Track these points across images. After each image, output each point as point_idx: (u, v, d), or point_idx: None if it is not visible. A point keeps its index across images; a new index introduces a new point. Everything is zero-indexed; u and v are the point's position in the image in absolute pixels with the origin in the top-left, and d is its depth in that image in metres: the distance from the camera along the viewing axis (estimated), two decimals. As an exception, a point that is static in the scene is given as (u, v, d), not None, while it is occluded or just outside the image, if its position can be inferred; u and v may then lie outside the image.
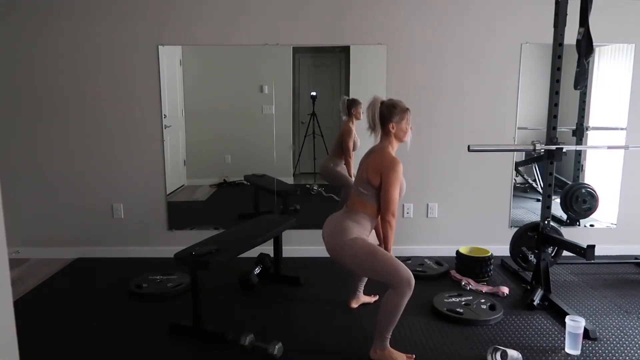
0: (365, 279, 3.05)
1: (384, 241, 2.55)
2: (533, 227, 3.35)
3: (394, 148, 2.54)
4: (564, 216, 4.20)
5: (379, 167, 2.45)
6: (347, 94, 4.06)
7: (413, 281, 2.30)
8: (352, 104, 3.93)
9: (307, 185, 4.28)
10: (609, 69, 4.05)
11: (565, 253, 3.53)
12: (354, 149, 3.96)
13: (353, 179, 3.95)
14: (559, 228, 3.59)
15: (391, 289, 2.33)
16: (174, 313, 2.96)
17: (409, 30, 3.83)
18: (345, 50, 3.97)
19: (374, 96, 2.51)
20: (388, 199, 2.43)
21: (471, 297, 3.14)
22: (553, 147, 3.04)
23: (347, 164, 3.98)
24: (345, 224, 2.49)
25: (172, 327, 2.75)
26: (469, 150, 2.97)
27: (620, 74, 4.00)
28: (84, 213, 4.03)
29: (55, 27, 3.78)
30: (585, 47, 2.97)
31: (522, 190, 4.23)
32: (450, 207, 4.07)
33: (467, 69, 3.88)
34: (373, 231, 2.69)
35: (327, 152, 4.18)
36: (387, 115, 2.49)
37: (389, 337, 2.40)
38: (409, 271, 2.32)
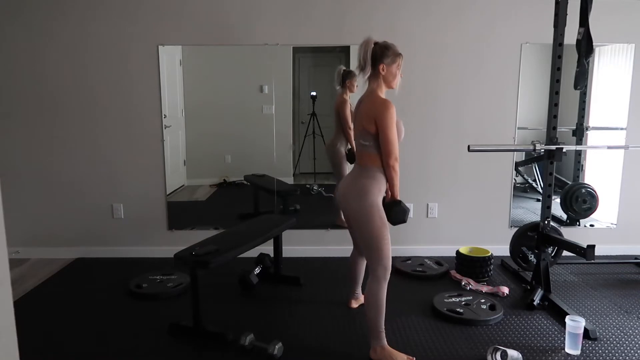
0: (362, 279, 3.03)
1: (390, 188, 2.49)
2: (533, 227, 3.35)
3: (383, 93, 2.47)
4: (564, 216, 4.20)
5: (371, 113, 2.38)
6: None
7: (389, 272, 2.41)
8: (347, 75, 3.85)
9: (307, 185, 4.28)
10: (609, 69, 4.05)
11: (565, 253, 3.53)
12: (351, 120, 3.88)
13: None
14: (559, 228, 3.59)
15: (370, 274, 2.41)
16: (174, 313, 2.96)
17: (409, 30, 3.83)
18: (345, 50, 3.97)
19: (368, 36, 2.44)
20: (387, 142, 2.36)
21: (471, 297, 3.14)
22: (553, 147, 3.04)
23: (348, 136, 3.88)
24: (362, 183, 2.42)
25: (172, 327, 2.75)
26: (469, 150, 2.97)
27: (620, 74, 4.00)
28: (84, 213, 4.03)
29: (55, 27, 3.78)
30: (585, 47, 2.97)
31: (522, 190, 4.23)
32: (450, 207, 4.07)
33: (467, 68, 3.88)
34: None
35: (326, 151, 4.17)
36: (380, 55, 2.41)
37: (383, 331, 2.42)
38: (390, 262, 2.42)
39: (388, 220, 2.45)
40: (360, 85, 2.49)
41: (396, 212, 2.47)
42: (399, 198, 2.50)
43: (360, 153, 2.50)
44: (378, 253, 2.39)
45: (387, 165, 2.40)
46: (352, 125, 3.72)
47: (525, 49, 3.86)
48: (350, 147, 3.92)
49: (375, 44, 2.43)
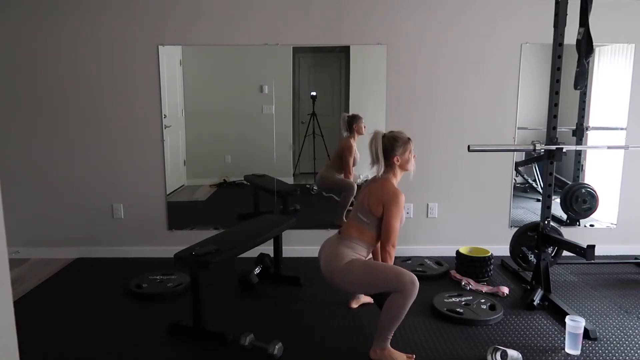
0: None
1: None
2: (533, 227, 3.35)
3: (398, 178, 2.57)
4: (564, 216, 4.20)
5: (381, 198, 2.47)
6: (347, 93, 4.07)
7: (417, 281, 2.32)
8: (353, 120, 3.95)
9: (307, 185, 4.27)
10: (609, 69, 4.05)
11: (565, 253, 3.53)
12: (353, 165, 3.98)
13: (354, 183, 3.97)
14: (559, 228, 3.59)
15: (398, 292, 2.33)
16: (174, 313, 2.96)
17: (409, 30, 3.83)
18: (345, 50, 3.97)
19: (375, 131, 2.52)
20: (390, 230, 2.46)
21: (471, 297, 3.14)
22: (553, 147, 3.04)
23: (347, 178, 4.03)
24: (340, 250, 2.50)
25: (172, 327, 2.75)
26: (469, 150, 2.97)
27: (620, 74, 4.00)
28: (84, 213, 4.03)
29: (55, 27, 3.78)
30: (585, 47, 2.97)
31: (522, 190, 4.23)
32: (450, 207, 4.07)
33: (467, 68, 3.88)
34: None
35: (327, 151, 4.18)
36: (390, 148, 2.50)
37: (390, 337, 2.40)
38: (411, 273, 2.34)
39: (376, 303, 2.57)
40: (370, 169, 2.58)
41: (384, 298, 2.43)
42: None
43: (351, 224, 2.57)
44: (388, 279, 2.34)
45: (384, 250, 2.50)
46: (352, 171, 3.96)
47: (525, 49, 3.86)
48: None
49: (384, 136, 2.50)
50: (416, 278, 2.33)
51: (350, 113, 3.99)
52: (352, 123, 3.94)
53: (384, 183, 2.52)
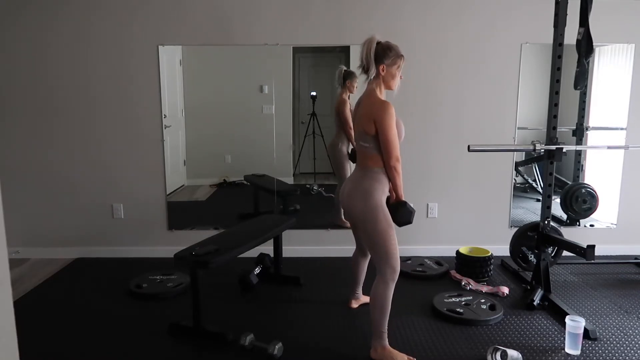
0: (363, 279, 3.04)
1: (393, 188, 2.47)
2: (533, 227, 3.35)
3: (382, 94, 2.44)
4: (564, 216, 4.20)
5: (370, 114, 2.36)
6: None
7: (398, 272, 2.41)
8: (348, 76, 3.86)
9: (307, 185, 4.27)
10: (609, 69, 4.05)
11: (565, 253, 3.53)
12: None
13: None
14: (559, 228, 3.59)
15: (378, 275, 2.40)
16: (174, 313, 2.96)
17: (409, 30, 3.83)
18: (345, 50, 3.97)
19: (371, 35, 2.41)
20: (387, 143, 2.34)
21: (471, 297, 3.14)
22: (553, 147, 3.04)
23: (349, 136, 3.88)
24: (365, 184, 2.40)
25: (172, 327, 2.75)
26: (469, 150, 2.97)
27: (620, 74, 4.00)
28: (84, 213, 4.03)
29: (55, 27, 3.78)
30: (585, 47, 2.97)
31: (522, 190, 4.23)
32: (450, 207, 4.07)
33: (467, 68, 3.88)
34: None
35: (328, 152, 4.17)
36: (381, 55, 2.38)
37: (386, 332, 2.41)
38: (399, 263, 2.41)
39: (394, 221, 2.44)
40: (359, 87, 2.48)
41: (402, 213, 2.46)
42: (403, 199, 2.48)
43: (361, 154, 2.48)
44: (385, 254, 2.38)
45: (389, 166, 2.38)
46: (352, 125, 3.73)
47: (525, 49, 3.86)
48: (352, 147, 3.92)
49: (378, 43, 2.40)
50: (398, 271, 2.40)
51: (348, 69, 3.91)
52: (347, 78, 3.87)
53: (369, 98, 2.41)
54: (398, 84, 2.48)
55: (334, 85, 3.96)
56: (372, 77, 2.41)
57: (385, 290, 2.38)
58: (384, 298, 2.38)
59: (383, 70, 2.40)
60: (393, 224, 2.43)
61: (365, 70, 2.40)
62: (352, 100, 3.82)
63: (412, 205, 2.49)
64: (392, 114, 2.34)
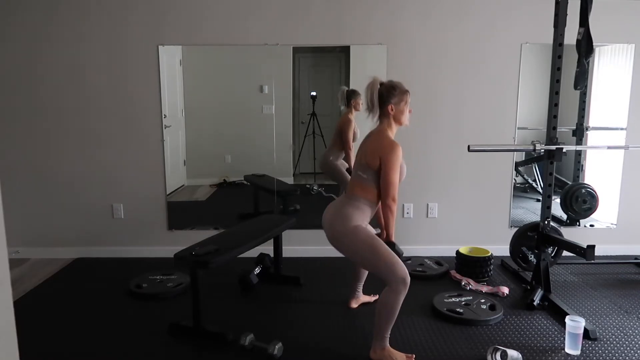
0: (364, 279, 3.04)
1: (385, 227, 2.50)
2: (533, 227, 3.35)
3: (393, 131, 2.49)
4: (564, 216, 4.20)
5: (377, 151, 2.40)
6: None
7: (408, 280, 2.31)
8: (352, 95, 3.90)
9: (307, 185, 4.27)
10: (609, 69, 4.05)
11: (565, 253, 3.53)
12: (353, 140, 3.90)
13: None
14: (559, 228, 3.59)
15: (387, 286, 2.33)
16: (174, 313, 2.96)
17: (409, 30, 3.83)
18: (345, 50, 3.97)
19: (373, 76, 2.46)
20: (388, 183, 2.38)
21: (471, 297, 3.14)
22: (553, 147, 3.04)
23: (347, 156, 3.92)
24: (346, 210, 2.43)
25: (172, 327, 2.75)
26: (469, 150, 2.97)
27: (620, 74, 4.00)
28: (84, 213, 4.03)
29: (55, 27, 3.78)
30: (585, 47, 2.97)
31: (522, 190, 4.23)
32: (450, 207, 4.07)
33: (467, 68, 3.88)
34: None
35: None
36: (387, 96, 2.44)
37: (388, 336, 2.40)
38: (406, 270, 2.33)
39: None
40: (366, 118, 2.51)
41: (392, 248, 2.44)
42: (393, 239, 2.49)
43: (354, 182, 2.51)
44: (383, 266, 2.32)
45: (385, 204, 2.42)
46: (352, 146, 3.83)
47: (525, 49, 3.86)
48: (348, 165, 3.96)
49: (381, 84, 2.46)
50: (409, 278, 2.32)
51: (350, 88, 3.94)
52: (351, 98, 3.90)
53: (379, 135, 2.45)
54: (408, 118, 2.53)
55: (334, 85, 3.96)
56: (381, 117, 2.47)
57: (395, 300, 2.31)
58: (393, 307, 2.32)
59: (392, 110, 2.46)
60: (377, 238, 2.42)
61: (372, 111, 2.45)
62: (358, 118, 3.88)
63: (400, 247, 2.48)
64: (399, 156, 2.39)
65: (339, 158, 3.97)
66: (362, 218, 2.45)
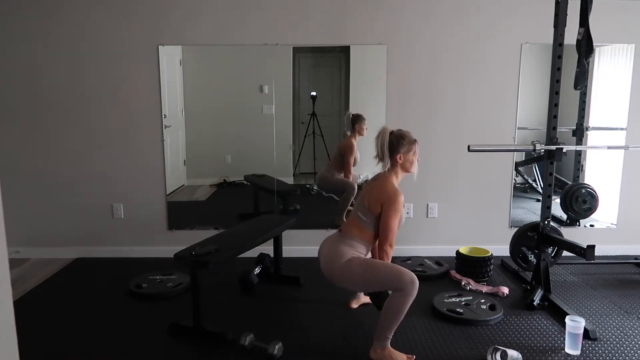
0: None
1: None
2: (533, 227, 3.35)
3: (399, 178, 2.56)
4: (564, 216, 4.20)
5: (380, 197, 2.47)
6: (347, 93, 4.07)
7: (417, 281, 2.33)
8: (357, 120, 3.95)
9: (307, 185, 4.27)
10: (609, 69, 4.05)
11: (565, 253, 3.53)
12: (354, 165, 3.99)
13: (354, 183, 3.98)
14: (559, 228, 3.59)
15: (398, 291, 2.34)
16: (174, 313, 2.95)
17: (409, 30, 3.83)
18: (345, 50, 3.97)
19: (383, 126, 2.53)
20: (387, 230, 2.47)
21: (471, 297, 3.14)
22: (553, 147, 3.04)
23: (347, 177, 4.03)
24: (340, 248, 2.50)
25: (172, 327, 2.75)
26: (469, 150, 2.97)
27: (620, 74, 4.00)
28: (84, 213, 4.03)
29: (55, 27, 3.78)
30: (585, 47, 2.97)
31: (522, 190, 4.23)
32: (450, 207, 4.07)
33: (467, 68, 3.88)
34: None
35: (327, 151, 4.18)
36: (396, 145, 2.50)
37: (391, 337, 2.40)
38: (411, 272, 2.35)
39: (373, 303, 2.54)
40: (375, 165, 2.56)
41: (381, 297, 2.46)
42: None
43: (352, 222, 2.58)
44: (389, 278, 2.35)
45: (382, 249, 2.50)
46: (352, 170, 3.95)
47: (525, 49, 3.86)
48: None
49: (391, 133, 2.50)
50: (416, 277, 2.34)
51: (356, 112, 3.98)
52: (355, 123, 3.95)
53: (384, 182, 2.52)
54: (416, 167, 2.57)
55: (334, 85, 3.96)
56: (388, 167, 2.51)
57: (404, 301, 2.32)
58: (400, 307, 2.33)
59: (400, 159, 2.52)
60: (368, 258, 2.48)
61: (382, 160, 2.51)
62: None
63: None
64: (400, 205, 2.46)
65: (337, 176, 4.07)
66: (356, 254, 2.51)
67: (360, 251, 2.53)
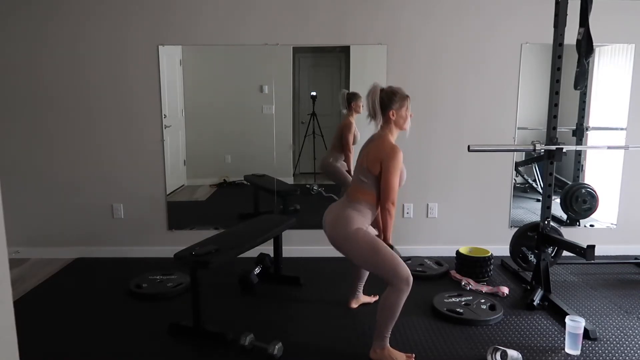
0: (364, 279, 3.04)
1: (382, 230, 2.52)
2: (533, 227, 3.35)
3: (394, 136, 2.51)
4: (564, 216, 4.20)
5: (378, 155, 2.42)
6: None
7: (411, 280, 2.32)
8: (352, 98, 3.91)
9: (307, 185, 4.27)
10: (609, 69, 4.05)
11: (565, 253, 3.53)
12: (353, 143, 3.92)
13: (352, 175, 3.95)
14: (559, 228, 3.59)
15: (389, 286, 2.34)
16: (174, 313, 2.96)
17: (409, 30, 3.83)
18: (345, 50, 3.97)
19: (374, 83, 2.48)
20: (388, 187, 2.41)
21: (471, 297, 3.14)
22: (553, 147, 3.04)
23: (347, 159, 3.93)
24: (348, 213, 2.45)
25: (172, 327, 2.75)
26: (469, 150, 2.97)
27: (620, 74, 4.00)
28: (84, 213, 4.03)
29: (55, 27, 3.78)
30: (585, 47, 2.97)
31: (522, 190, 4.23)
32: (450, 207, 4.07)
33: (467, 68, 3.88)
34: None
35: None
36: (387, 102, 2.46)
37: (389, 336, 2.41)
38: (408, 270, 2.34)
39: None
40: (368, 124, 2.53)
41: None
42: (390, 242, 2.50)
43: (354, 186, 2.53)
44: (386, 267, 2.34)
45: (384, 208, 2.45)
46: (352, 149, 3.85)
47: (525, 49, 3.86)
48: (348, 168, 3.96)
49: (382, 90, 2.47)
50: (412, 278, 2.33)
51: (350, 90, 3.95)
52: (351, 101, 3.90)
53: (381, 140, 2.47)
54: (409, 123, 2.54)
55: (334, 85, 3.96)
56: (382, 123, 2.48)
57: (397, 299, 2.33)
58: (394, 305, 2.33)
59: (393, 115, 2.48)
60: (378, 239, 2.44)
61: (374, 118, 2.47)
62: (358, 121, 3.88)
63: (398, 249, 2.49)
64: (399, 161, 2.41)
65: (339, 160, 3.99)
66: (363, 221, 2.47)
67: (366, 216, 2.47)
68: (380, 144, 2.46)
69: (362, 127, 3.86)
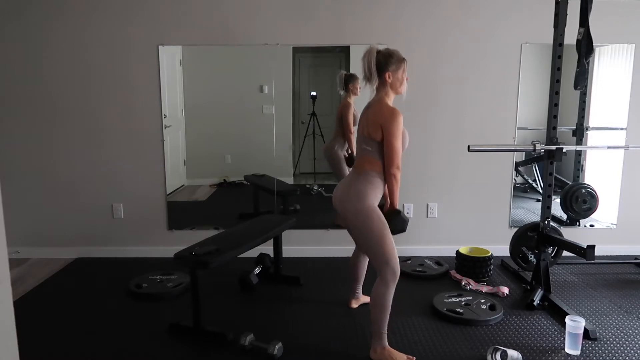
0: (363, 279, 3.04)
1: (390, 196, 2.49)
2: (533, 227, 3.35)
3: (391, 100, 2.47)
4: (564, 216, 4.20)
5: (378, 120, 2.38)
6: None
7: (398, 274, 2.39)
8: (350, 79, 3.86)
9: (307, 185, 4.28)
10: (609, 69, 4.05)
11: (565, 253, 3.53)
12: (354, 124, 3.87)
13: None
14: (559, 228, 3.59)
15: (378, 277, 2.39)
16: (174, 313, 2.96)
17: (409, 30, 3.83)
18: (345, 50, 3.97)
19: (370, 45, 2.44)
20: (391, 151, 2.36)
21: (471, 297, 3.14)
22: (553, 147, 3.04)
23: (349, 140, 3.88)
24: (360, 186, 2.40)
25: (172, 327, 2.75)
26: (469, 150, 2.97)
27: (620, 74, 4.00)
28: (84, 213, 4.03)
29: (55, 27, 3.78)
30: (585, 47, 2.97)
31: (522, 190, 4.23)
32: (450, 207, 4.07)
33: (467, 68, 3.88)
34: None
35: (324, 154, 4.17)
36: (384, 64, 2.41)
37: (386, 332, 2.41)
38: (399, 266, 2.39)
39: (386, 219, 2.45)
40: (363, 87, 2.50)
41: (396, 221, 2.47)
42: (398, 207, 2.50)
43: (360, 157, 2.49)
44: (382, 256, 2.37)
45: (389, 173, 2.40)
46: (353, 130, 3.78)
47: (525, 49, 3.86)
48: (350, 151, 3.92)
49: (378, 52, 2.43)
50: (399, 273, 2.39)
51: (349, 72, 3.91)
52: (349, 82, 3.86)
53: (379, 105, 2.43)
54: (405, 86, 2.50)
55: (334, 85, 3.96)
56: (378, 86, 2.44)
57: (385, 292, 2.37)
58: (384, 299, 2.37)
59: (389, 78, 2.43)
60: (387, 226, 2.42)
61: (370, 80, 2.42)
62: (358, 104, 3.83)
63: (407, 214, 2.49)
64: (400, 123, 2.37)
65: (343, 148, 3.95)
66: (375, 193, 2.42)
67: (378, 186, 2.42)
68: (378, 109, 2.41)
69: (361, 108, 3.84)
